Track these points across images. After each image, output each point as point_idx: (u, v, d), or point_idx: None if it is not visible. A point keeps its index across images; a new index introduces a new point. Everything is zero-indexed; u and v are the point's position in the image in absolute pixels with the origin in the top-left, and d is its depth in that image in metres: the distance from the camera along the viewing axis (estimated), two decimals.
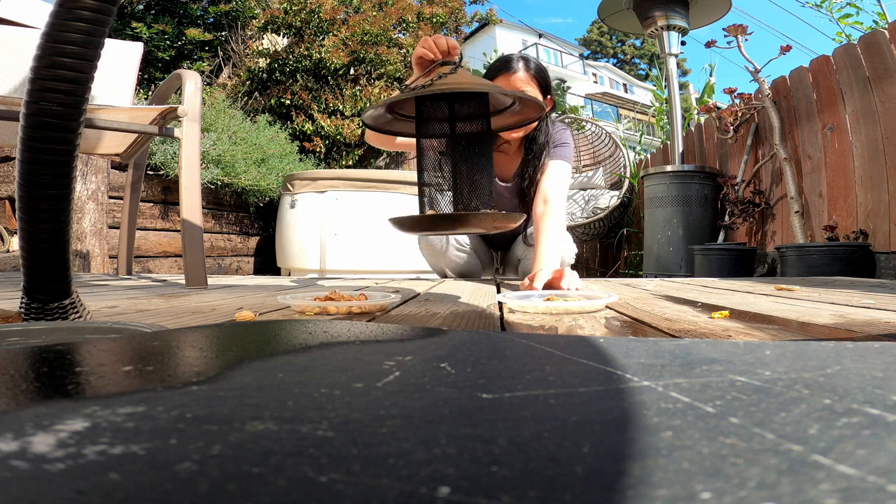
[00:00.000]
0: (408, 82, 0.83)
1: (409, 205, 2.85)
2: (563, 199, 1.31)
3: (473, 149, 0.80)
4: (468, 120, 0.80)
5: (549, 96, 1.38)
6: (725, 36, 2.79)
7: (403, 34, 4.88)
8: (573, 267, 1.48)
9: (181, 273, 2.55)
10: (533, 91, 1.32)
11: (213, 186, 3.05)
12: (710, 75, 3.26)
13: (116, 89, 1.70)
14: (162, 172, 2.85)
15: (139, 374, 0.24)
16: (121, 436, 0.15)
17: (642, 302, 0.89)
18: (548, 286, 0.98)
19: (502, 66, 1.36)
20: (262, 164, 3.39)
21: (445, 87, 0.73)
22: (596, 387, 0.22)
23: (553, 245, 1.21)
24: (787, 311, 0.73)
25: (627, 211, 3.90)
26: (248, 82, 4.60)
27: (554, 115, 1.56)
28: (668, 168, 2.94)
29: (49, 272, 0.51)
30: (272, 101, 4.46)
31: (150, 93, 2.81)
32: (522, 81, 1.32)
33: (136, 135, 1.63)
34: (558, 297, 0.77)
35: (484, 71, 6.08)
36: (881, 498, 0.11)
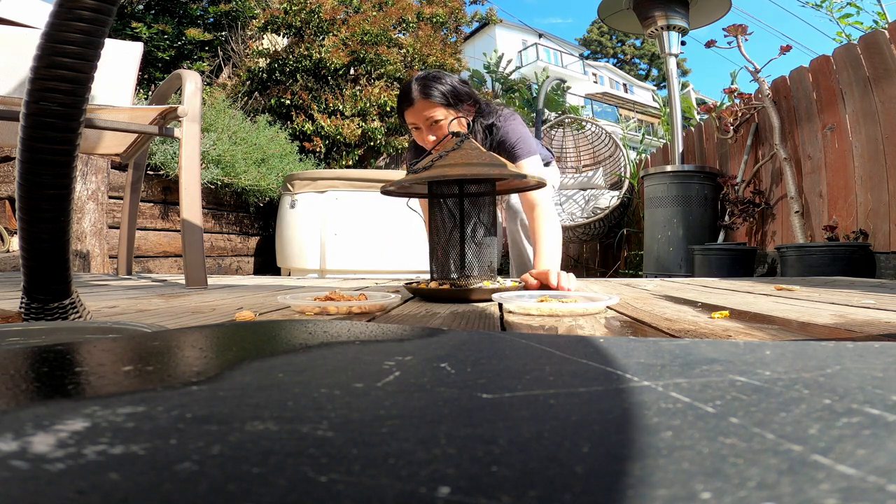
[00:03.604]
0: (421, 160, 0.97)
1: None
2: (548, 195, 1.25)
3: (479, 217, 0.96)
4: (476, 194, 0.97)
5: (462, 105, 1.26)
6: (725, 36, 2.79)
7: (403, 34, 4.87)
8: (573, 267, 1.49)
9: (181, 273, 2.55)
10: (443, 113, 1.22)
11: (213, 186, 3.05)
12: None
13: (116, 89, 1.70)
14: (162, 172, 2.85)
15: (139, 374, 0.24)
16: (121, 436, 0.15)
17: (642, 302, 0.89)
18: (545, 286, 0.98)
19: (403, 99, 1.26)
20: (262, 164, 3.39)
21: (454, 172, 0.89)
22: (596, 387, 0.22)
23: (551, 247, 1.21)
24: (787, 311, 0.73)
25: (627, 211, 3.90)
26: (248, 82, 4.60)
27: (507, 110, 1.37)
28: (668, 168, 2.94)
29: (49, 272, 0.51)
30: (272, 101, 4.46)
31: (150, 93, 2.81)
32: (426, 111, 1.22)
33: (136, 135, 1.63)
34: (552, 297, 0.77)
35: (484, 70, 6.04)
36: (881, 498, 0.11)
